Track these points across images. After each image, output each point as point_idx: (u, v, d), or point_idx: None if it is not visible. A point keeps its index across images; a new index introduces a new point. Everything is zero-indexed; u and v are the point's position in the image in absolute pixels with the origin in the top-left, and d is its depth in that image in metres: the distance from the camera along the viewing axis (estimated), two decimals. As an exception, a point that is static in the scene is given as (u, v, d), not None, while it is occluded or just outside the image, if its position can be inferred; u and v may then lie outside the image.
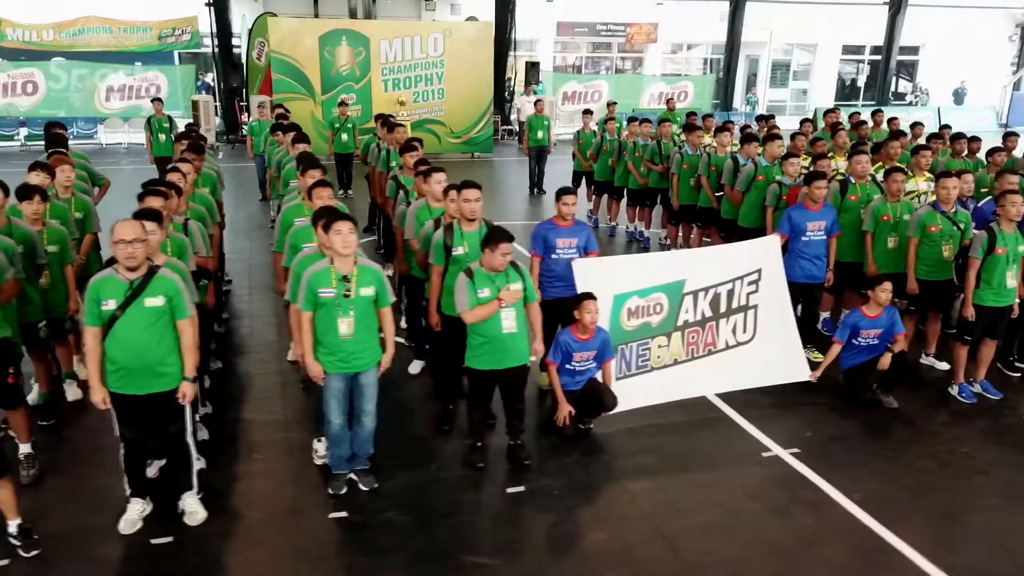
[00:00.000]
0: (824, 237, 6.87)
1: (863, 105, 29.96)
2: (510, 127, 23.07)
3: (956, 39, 30.26)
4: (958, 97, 30.41)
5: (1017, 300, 6.26)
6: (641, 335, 6.19)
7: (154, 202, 5.09)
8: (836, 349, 6.35)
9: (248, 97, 21.09)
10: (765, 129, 11.19)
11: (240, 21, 22.17)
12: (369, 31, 18.29)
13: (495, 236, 4.96)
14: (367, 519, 4.72)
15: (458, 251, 5.49)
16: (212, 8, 20.31)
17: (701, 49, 31.29)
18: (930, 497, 5.05)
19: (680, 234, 10.43)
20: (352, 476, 5.06)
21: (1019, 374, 6.90)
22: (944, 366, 6.97)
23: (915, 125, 11.03)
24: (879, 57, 30.51)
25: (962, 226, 6.64)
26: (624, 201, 11.54)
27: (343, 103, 14.06)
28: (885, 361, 6.15)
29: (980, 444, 5.79)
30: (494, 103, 20.05)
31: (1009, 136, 9.59)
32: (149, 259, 4.39)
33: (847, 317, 6.37)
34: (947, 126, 10.32)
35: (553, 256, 6.12)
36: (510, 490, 5.07)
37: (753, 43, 28.08)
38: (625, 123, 11.53)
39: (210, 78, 24.17)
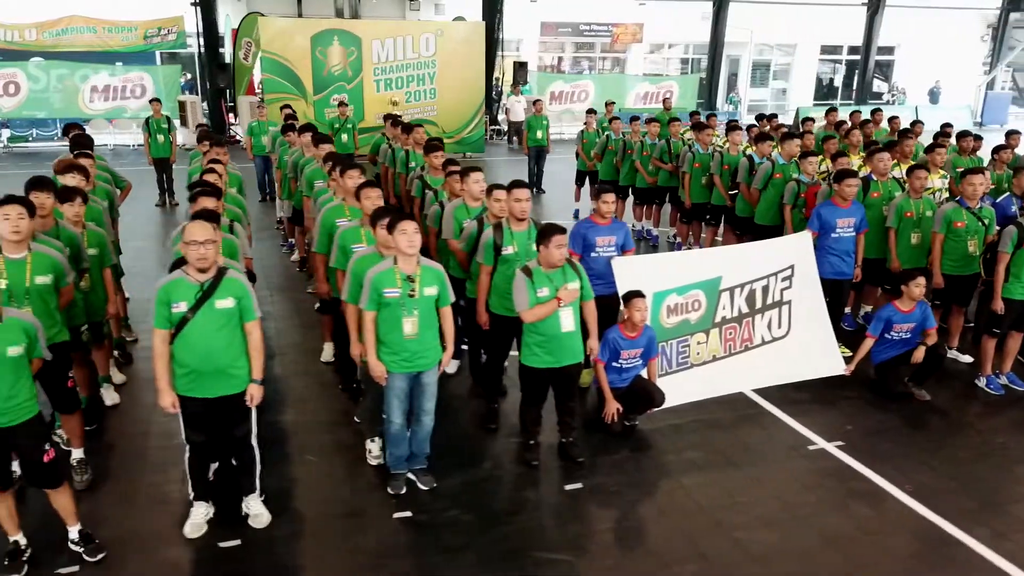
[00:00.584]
0: (853, 234, 6.98)
1: (841, 104, 30.45)
2: (498, 127, 23.07)
3: (930, 39, 30.88)
4: (933, 96, 30.97)
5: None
6: (681, 332, 6.26)
7: (208, 203, 5.05)
8: (869, 343, 6.45)
9: (235, 98, 20.89)
10: (768, 128, 11.36)
11: (224, 21, 21.94)
12: (361, 31, 18.18)
13: (547, 231, 4.99)
14: (432, 518, 4.72)
15: (508, 250, 5.50)
16: (198, 8, 20.06)
17: (680, 49, 31.58)
18: (977, 487, 5.16)
19: (691, 232, 10.52)
20: (410, 476, 5.06)
21: (1038, 366, 7.07)
22: (967, 359, 7.12)
23: (915, 123, 11.23)
24: (856, 57, 31.05)
25: (986, 221, 6.79)
26: (630, 200, 11.60)
27: (342, 103, 13.96)
28: (919, 355, 6.28)
29: (1014, 434, 5.93)
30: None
31: (1012, 134, 9.81)
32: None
33: (881, 311, 6.47)
34: (950, 124, 10.51)
35: (592, 254, 6.15)
36: (568, 487, 5.09)
37: (733, 43, 28.35)
38: (628, 122, 11.58)
39: (189, 78, 23.90)
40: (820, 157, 9.01)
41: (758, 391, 6.40)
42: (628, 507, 4.90)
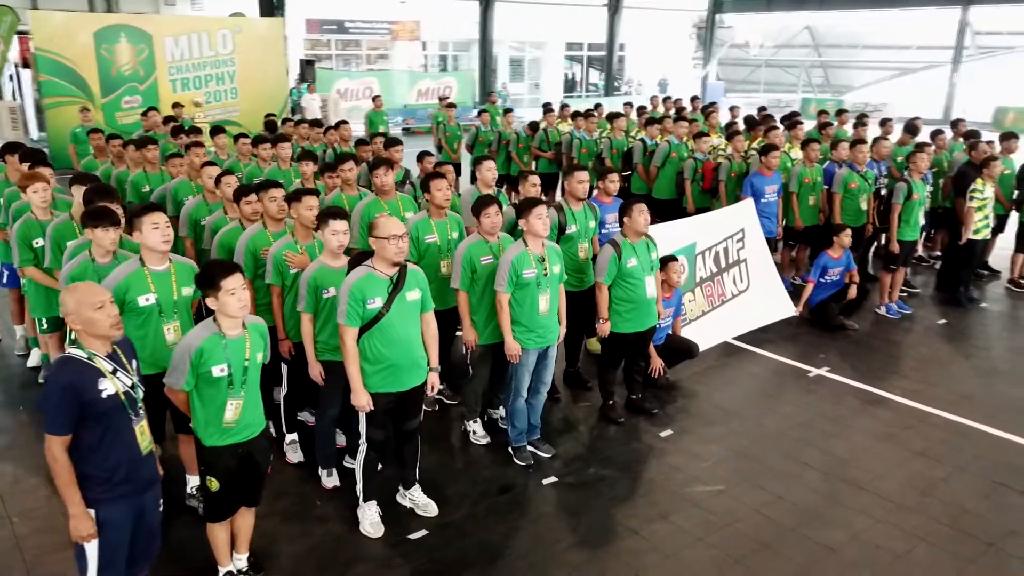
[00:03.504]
0: (776, 198, 8.28)
1: (587, 96, 33.52)
2: (286, 127, 22.31)
3: (649, 38, 34.98)
4: (663, 87, 35.03)
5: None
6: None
7: (313, 201, 4.89)
8: (810, 287, 7.78)
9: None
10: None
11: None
12: (152, 27, 16.73)
13: (629, 202, 5.56)
14: (579, 479, 5.08)
15: (571, 229, 5.91)
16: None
17: (442, 46, 32.59)
18: (945, 384, 6.57)
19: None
20: (530, 448, 5.35)
21: (905, 293, 8.88)
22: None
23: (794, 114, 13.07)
24: (595, 53, 34.32)
25: (870, 181, 8.44)
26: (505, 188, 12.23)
27: (177, 104, 12.95)
28: (853, 291, 7.70)
29: (931, 340, 7.58)
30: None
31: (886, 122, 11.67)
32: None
33: (817, 260, 7.80)
34: (797, 113, 12.45)
35: (603, 231, 6.74)
36: (662, 434, 5.69)
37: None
38: (501, 114, 12.21)
39: None
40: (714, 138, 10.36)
41: (736, 337, 7.43)
42: (724, 441, 5.61)
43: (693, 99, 14.82)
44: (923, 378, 6.71)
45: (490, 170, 6.66)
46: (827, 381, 6.65)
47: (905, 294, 8.80)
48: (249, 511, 3.97)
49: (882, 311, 8.25)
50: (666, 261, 6.31)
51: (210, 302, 3.58)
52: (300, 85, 22.66)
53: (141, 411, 3.24)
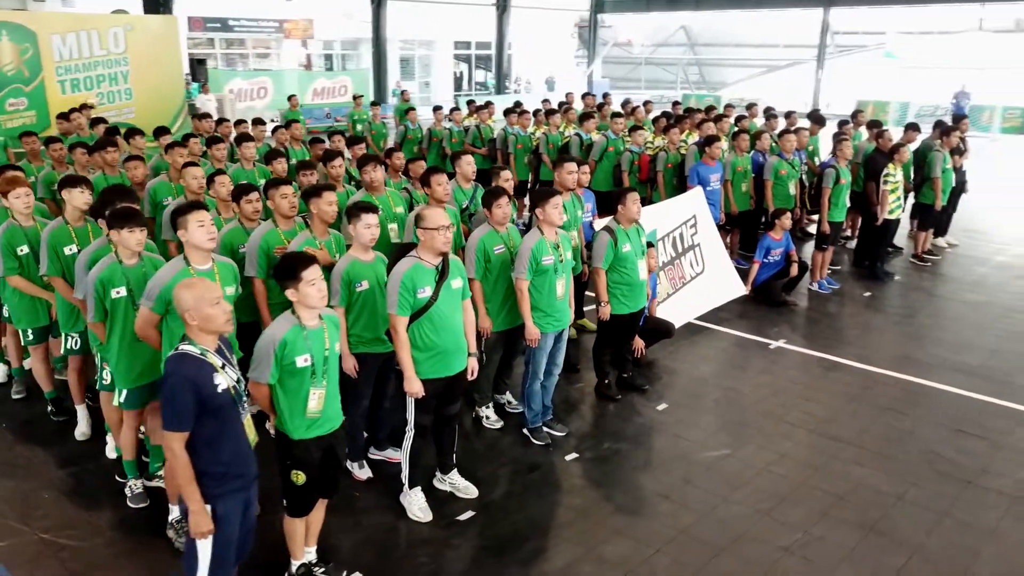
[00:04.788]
0: (720, 186, 8.84)
1: (476, 94, 33.81)
2: (177, 129, 21.45)
3: (535, 36, 35.66)
4: (550, 85, 35.83)
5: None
6: (646, 277, 7.49)
7: (331, 197, 4.92)
8: (756, 267, 8.38)
9: None
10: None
11: None
12: (36, 24, 15.63)
13: (622, 191, 5.90)
14: (597, 454, 5.36)
15: (564, 219, 6.16)
16: None
17: (326, 45, 32.00)
18: (886, 347, 7.28)
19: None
20: (545, 428, 5.58)
21: (829, 271, 9.67)
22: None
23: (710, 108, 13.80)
24: (483, 52, 34.66)
25: (797, 168, 9.16)
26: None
27: (87, 106, 12.28)
28: (795, 269, 8.36)
29: (862, 311, 8.34)
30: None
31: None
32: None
33: (761, 241, 8.42)
34: (713, 107, 13.19)
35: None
36: (658, 408, 6.06)
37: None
38: (432, 112, 12.32)
39: None
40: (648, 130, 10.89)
41: (697, 317, 7.92)
42: (714, 410, 6.05)
43: (605, 95, 15.36)
44: (866, 344, 7.40)
45: (469, 164, 6.83)
46: (787, 351, 7.22)
47: (829, 271, 9.59)
48: (322, 503, 4.01)
49: (815, 287, 8.97)
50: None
51: (290, 294, 3.61)
52: (191, 85, 21.79)
53: (247, 405, 3.26)
